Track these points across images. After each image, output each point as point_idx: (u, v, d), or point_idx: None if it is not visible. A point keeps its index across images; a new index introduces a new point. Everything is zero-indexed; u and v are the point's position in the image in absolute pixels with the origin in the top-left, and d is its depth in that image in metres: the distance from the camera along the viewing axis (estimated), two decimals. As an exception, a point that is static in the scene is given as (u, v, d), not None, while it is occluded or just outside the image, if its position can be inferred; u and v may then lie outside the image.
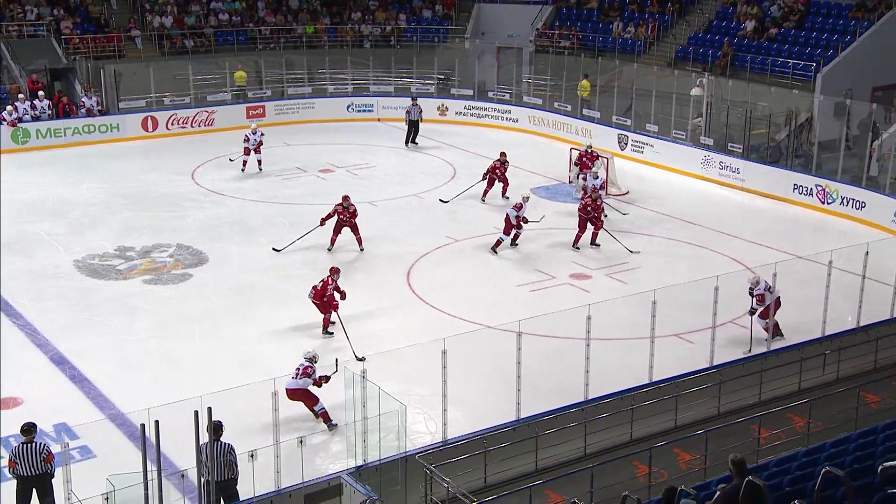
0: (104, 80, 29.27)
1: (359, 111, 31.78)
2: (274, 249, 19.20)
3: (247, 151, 24.94)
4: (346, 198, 19.40)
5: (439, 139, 28.98)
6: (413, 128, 28.28)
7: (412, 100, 28.64)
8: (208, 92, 30.48)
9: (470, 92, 31.63)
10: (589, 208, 19.44)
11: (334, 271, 15.57)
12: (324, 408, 12.73)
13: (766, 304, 14.88)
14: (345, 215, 19.21)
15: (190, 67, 30.13)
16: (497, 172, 22.59)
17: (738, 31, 29.52)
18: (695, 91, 26.22)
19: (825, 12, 28.46)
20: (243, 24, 33.55)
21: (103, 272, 18.47)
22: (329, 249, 19.38)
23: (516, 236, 19.61)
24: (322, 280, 15.52)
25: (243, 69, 31.47)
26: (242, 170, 24.94)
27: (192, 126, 29.78)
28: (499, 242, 19.41)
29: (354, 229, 19.43)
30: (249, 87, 31.55)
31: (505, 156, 22.75)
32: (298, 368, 12.71)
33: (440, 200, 22.52)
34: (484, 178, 22.66)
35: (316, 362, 12.81)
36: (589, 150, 23.46)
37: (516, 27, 34.25)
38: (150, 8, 32.73)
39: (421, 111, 28.45)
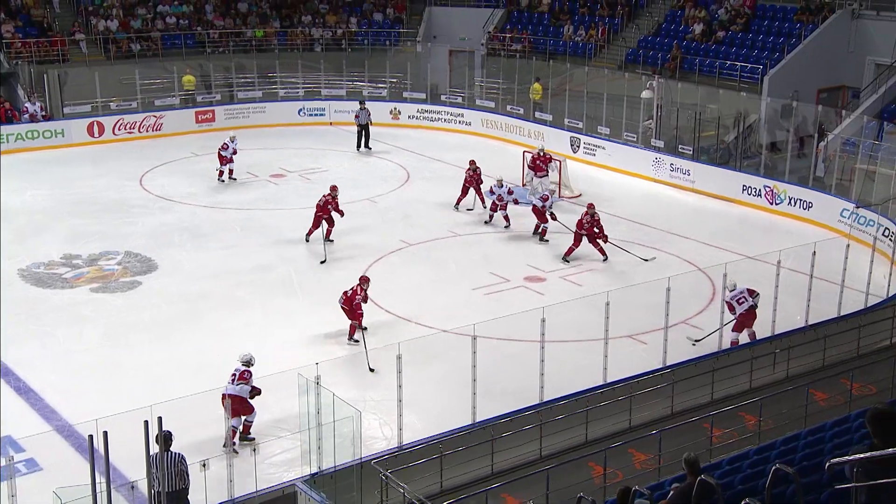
0: (48, 84, 28.78)
1: (310, 115, 31.62)
2: (322, 262, 19.18)
3: (223, 160, 24.41)
4: (334, 188, 20.03)
5: (392, 143, 28.96)
6: (364, 132, 28.18)
7: (360, 104, 28.54)
8: (156, 96, 30.12)
9: (422, 95, 31.66)
10: (585, 223, 19.18)
11: (364, 280, 15.57)
12: (252, 421, 12.52)
13: (735, 314, 14.77)
14: (333, 205, 19.68)
15: (136, 72, 29.73)
16: (472, 181, 22.44)
17: (686, 35, 29.95)
18: (645, 94, 26.55)
19: (771, 15, 29.01)
20: (191, 27, 33.19)
21: (49, 281, 18.14)
22: (307, 240, 19.91)
23: (544, 231, 20.28)
24: (352, 287, 15.47)
25: (191, 73, 31.13)
26: (221, 180, 24.46)
27: (139, 131, 29.38)
28: (544, 231, 20.35)
29: (331, 221, 19.85)
30: (198, 92, 31.22)
31: (474, 163, 22.66)
32: (235, 373, 12.55)
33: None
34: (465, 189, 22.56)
35: (252, 365, 12.66)
36: (542, 153, 23.61)
37: (468, 31, 34.36)
38: (94, 11, 32.22)
39: (370, 114, 28.34)
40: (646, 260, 19.39)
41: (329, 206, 19.76)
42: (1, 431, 11.66)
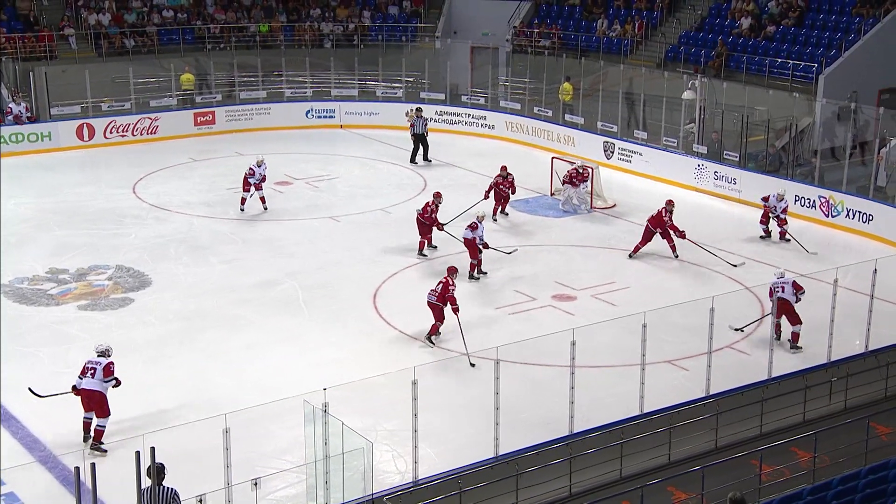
0: (34, 83, 29.08)
1: (319, 117, 31.80)
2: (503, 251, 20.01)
3: (247, 187, 22.88)
4: (438, 195, 20.47)
5: (408, 148, 29.02)
6: (421, 142, 27.78)
7: (416, 110, 28.24)
8: (151, 96, 30.37)
9: (441, 96, 31.76)
10: (666, 220, 19.90)
11: (452, 271, 16.25)
12: (105, 426, 12.92)
13: (770, 299, 15.62)
14: (437, 212, 20.19)
15: (130, 69, 30.00)
16: (501, 188, 22.53)
17: (732, 30, 29.91)
18: (687, 94, 26.49)
19: (827, 8, 28.94)
20: (190, 21, 33.50)
21: (33, 297, 18.27)
22: (423, 255, 20.30)
23: (473, 266, 19.12)
24: (440, 281, 16.11)
25: (190, 71, 31.38)
26: (242, 209, 23.03)
27: (133, 134, 29.63)
28: (473, 267, 19.20)
29: (430, 230, 20.22)
30: (197, 92, 31.47)
31: (506, 169, 22.72)
32: (94, 367, 12.92)
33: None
34: (486, 197, 22.50)
35: (111, 355, 13.11)
36: (580, 171, 23.52)
37: (491, 25, 34.48)
38: (85, 4, 32.59)
39: (426, 123, 28.05)
40: (735, 266, 19.79)
41: (434, 216, 20.11)
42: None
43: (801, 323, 15.63)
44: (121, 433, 13.33)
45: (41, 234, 21.67)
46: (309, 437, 11.46)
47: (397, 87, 32.20)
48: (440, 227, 20.34)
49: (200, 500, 10.45)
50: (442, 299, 15.90)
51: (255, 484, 11.13)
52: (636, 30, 31.75)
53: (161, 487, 10.29)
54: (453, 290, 16.00)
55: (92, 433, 12.97)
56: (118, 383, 13.20)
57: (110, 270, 19.57)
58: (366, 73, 32.42)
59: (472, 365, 15.05)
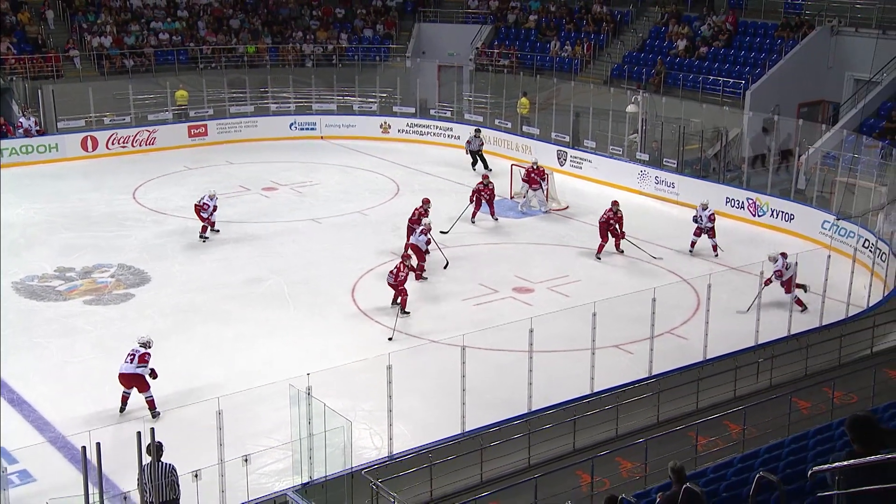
0: (42, 100, 28.71)
1: (302, 129, 31.63)
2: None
3: (202, 218, 21.13)
4: (426, 201, 20.00)
5: (382, 156, 28.99)
6: (478, 157, 27.41)
7: (475, 131, 27.93)
8: (149, 111, 30.06)
9: (412, 110, 31.70)
10: (611, 221, 19.97)
11: (407, 256, 17.18)
12: (152, 395, 13.25)
13: (783, 278, 16.57)
14: (426, 216, 19.54)
15: (130, 87, 29.70)
16: (483, 194, 22.41)
17: (670, 50, 30.11)
18: (630, 108, 26.63)
19: (752, 32, 29.20)
20: (184, 43, 33.19)
21: (43, 293, 18.04)
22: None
23: (420, 269, 18.68)
24: (396, 266, 16.77)
25: (185, 88, 31.10)
26: (205, 238, 21.10)
27: (132, 145, 29.32)
28: (421, 268, 18.74)
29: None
30: (191, 106, 31.18)
31: (487, 178, 22.75)
32: (133, 354, 13.25)
33: (441, 232, 21.05)
34: (472, 202, 22.46)
35: (150, 347, 13.39)
36: (536, 166, 23.62)
37: (456, 46, 34.46)
38: (88, 28, 32.20)
39: (482, 143, 27.59)
40: (655, 258, 19.90)
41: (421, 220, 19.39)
42: (-3, 443, 11.59)
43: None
44: (124, 415, 13.24)
45: (50, 237, 21.40)
46: (294, 418, 11.41)
47: (372, 102, 32.10)
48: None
49: (196, 475, 10.39)
50: (397, 281, 16.59)
51: (246, 460, 11.08)
52: (585, 50, 31.86)
53: (160, 463, 10.22)
54: (404, 274, 16.53)
55: (130, 405, 13.36)
56: (154, 374, 13.34)
57: (113, 269, 19.36)
58: (343, 90, 32.27)
59: (390, 339, 15.62)
